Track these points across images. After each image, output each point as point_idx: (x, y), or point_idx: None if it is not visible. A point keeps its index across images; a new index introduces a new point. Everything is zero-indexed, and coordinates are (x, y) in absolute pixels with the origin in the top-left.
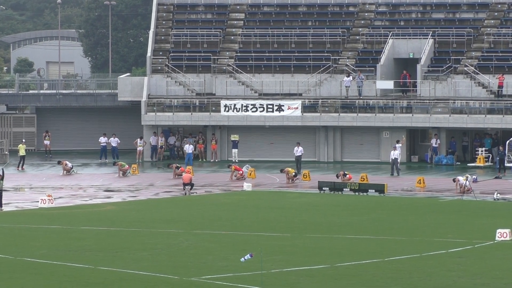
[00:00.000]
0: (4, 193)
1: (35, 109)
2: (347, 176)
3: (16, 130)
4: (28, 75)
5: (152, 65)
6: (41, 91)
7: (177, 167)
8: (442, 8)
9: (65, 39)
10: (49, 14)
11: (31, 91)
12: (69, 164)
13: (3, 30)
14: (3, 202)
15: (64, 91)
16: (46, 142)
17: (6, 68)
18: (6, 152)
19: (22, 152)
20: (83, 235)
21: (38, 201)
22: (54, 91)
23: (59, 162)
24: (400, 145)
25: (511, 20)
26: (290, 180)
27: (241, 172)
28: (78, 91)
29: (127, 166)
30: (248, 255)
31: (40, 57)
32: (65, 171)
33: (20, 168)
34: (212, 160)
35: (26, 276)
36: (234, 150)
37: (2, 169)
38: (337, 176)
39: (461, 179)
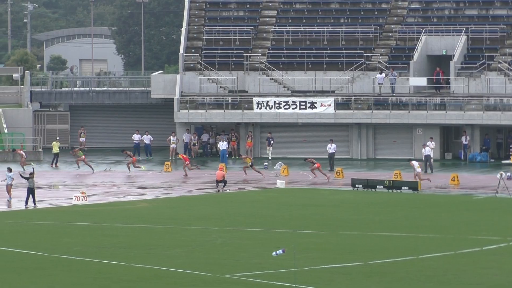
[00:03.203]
0: (38, 190)
1: (68, 107)
2: (315, 165)
3: (50, 128)
4: (61, 72)
5: (184, 62)
6: (74, 89)
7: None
8: (475, 5)
9: (98, 37)
10: (81, 11)
11: (64, 89)
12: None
13: (36, 28)
14: (37, 199)
15: (97, 89)
16: (82, 139)
17: (39, 65)
18: (40, 150)
19: (56, 149)
20: (117, 232)
21: (72, 198)
22: (87, 89)
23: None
24: (433, 143)
25: None
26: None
27: (187, 162)
28: (111, 89)
29: (83, 156)
30: (281, 250)
31: (73, 55)
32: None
33: (54, 166)
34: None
35: (60, 273)
36: (269, 148)
37: (33, 168)
38: (305, 160)
39: (416, 164)
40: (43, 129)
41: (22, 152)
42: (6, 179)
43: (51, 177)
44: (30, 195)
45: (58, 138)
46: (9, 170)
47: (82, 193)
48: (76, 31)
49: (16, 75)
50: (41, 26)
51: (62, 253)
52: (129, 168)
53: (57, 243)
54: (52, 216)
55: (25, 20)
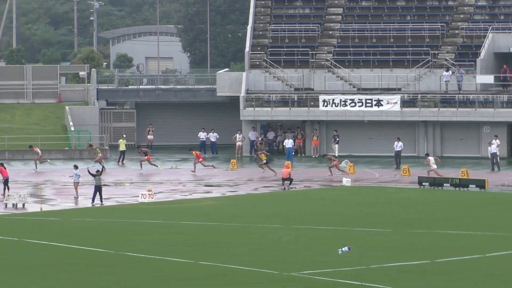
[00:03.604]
0: (104, 188)
1: (134, 105)
2: (334, 162)
3: (116, 125)
4: (127, 70)
5: (250, 60)
6: (141, 87)
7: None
8: None
9: (164, 35)
10: (147, 9)
11: (130, 87)
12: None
13: (103, 25)
14: (104, 196)
15: (163, 87)
16: (150, 137)
17: (105, 63)
18: (107, 147)
19: (122, 147)
20: (183, 229)
21: (138, 196)
22: (153, 87)
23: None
24: (497, 141)
25: None
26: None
27: (200, 159)
28: (177, 86)
29: (100, 154)
30: (346, 247)
31: (139, 53)
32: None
33: (120, 163)
34: (313, 156)
35: (127, 271)
36: (335, 145)
37: (103, 166)
38: (324, 156)
39: (432, 161)
40: (109, 127)
41: (38, 150)
42: (73, 176)
43: (117, 175)
44: (97, 193)
45: (124, 136)
46: (76, 167)
47: (149, 190)
48: (142, 29)
49: (82, 73)
50: (107, 24)
51: (128, 251)
52: (141, 166)
53: (123, 240)
54: (118, 214)
55: (91, 18)
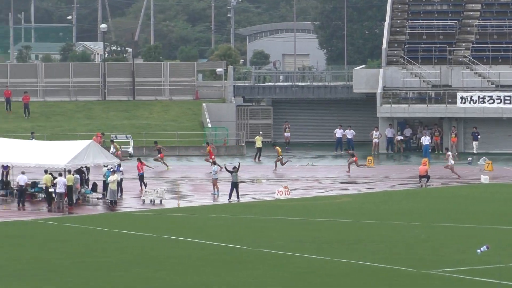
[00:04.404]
0: (241, 185)
1: (271, 101)
2: (354, 158)
3: (253, 122)
4: (264, 67)
5: (387, 57)
6: (277, 83)
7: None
8: None
9: (300, 32)
10: (284, 6)
11: (267, 83)
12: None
13: (239, 22)
14: (240, 193)
15: (299, 83)
16: (286, 134)
17: (242, 60)
18: (243, 144)
19: (258, 144)
20: (319, 226)
21: (274, 193)
22: (289, 83)
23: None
24: None
25: None
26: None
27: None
28: (313, 83)
29: (119, 152)
30: (484, 246)
31: (275, 50)
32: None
33: (257, 160)
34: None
35: (262, 268)
36: (475, 143)
37: (239, 162)
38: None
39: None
40: (246, 124)
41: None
42: (211, 172)
43: (254, 171)
44: (234, 189)
45: (261, 132)
46: (214, 163)
47: (285, 187)
48: (279, 26)
49: (219, 70)
50: (244, 21)
51: (264, 247)
52: (164, 164)
53: (259, 237)
54: (254, 210)
55: (228, 15)
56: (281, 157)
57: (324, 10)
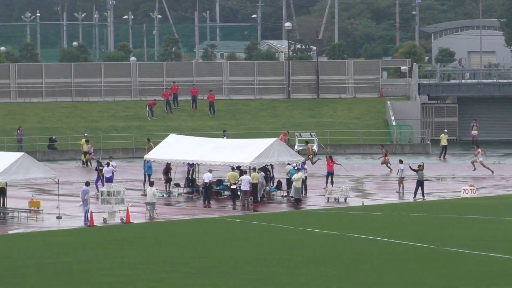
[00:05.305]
0: (427, 183)
1: (456, 99)
2: (386, 157)
3: (438, 120)
4: (449, 65)
5: None
6: (463, 81)
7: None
8: None
9: (486, 29)
10: (470, 3)
11: (452, 81)
12: None
13: (424, 20)
14: (426, 191)
15: (485, 81)
16: (474, 132)
17: (427, 58)
18: (428, 142)
19: (444, 142)
20: (506, 225)
21: (460, 191)
22: (475, 81)
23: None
24: None
25: None
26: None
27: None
28: (499, 81)
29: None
30: None
31: (461, 47)
32: None
33: (442, 158)
34: None
35: (449, 266)
36: None
37: (422, 162)
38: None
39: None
40: (431, 122)
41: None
42: (398, 171)
43: (439, 170)
44: (419, 187)
45: (446, 130)
46: (401, 161)
47: (471, 185)
48: (465, 23)
49: (404, 68)
50: (429, 18)
51: (450, 246)
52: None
53: (445, 235)
54: (440, 209)
55: (413, 13)
56: (311, 156)
57: (511, 7)
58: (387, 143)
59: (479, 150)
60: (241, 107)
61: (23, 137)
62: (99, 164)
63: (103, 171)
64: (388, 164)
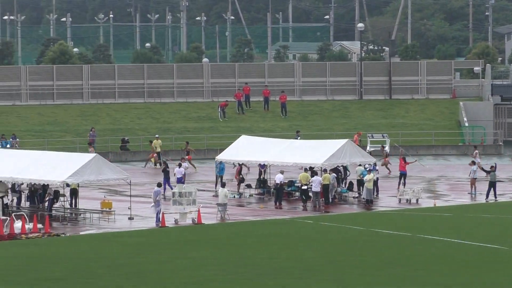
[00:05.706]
0: (499, 184)
1: None
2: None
3: (511, 121)
4: None
5: None
6: None
7: None
8: None
9: None
10: None
11: None
12: None
13: (498, 20)
14: (498, 192)
15: None
16: None
17: (500, 59)
18: (501, 143)
19: None
20: None
21: None
22: None
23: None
24: None
25: None
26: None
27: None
28: None
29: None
30: None
31: None
32: None
33: None
34: None
35: None
36: None
37: (495, 163)
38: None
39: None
40: (504, 123)
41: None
42: (470, 173)
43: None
44: (491, 189)
45: None
46: (473, 163)
47: None
48: None
49: (477, 68)
50: (502, 19)
51: None
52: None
53: None
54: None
55: (486, 13)
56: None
57: None
58: (459, 144)
59: None
60: (313, 108)
61: (95, 138)
62: (166, 165)
63: (174, 172)
64: (388, 165)
